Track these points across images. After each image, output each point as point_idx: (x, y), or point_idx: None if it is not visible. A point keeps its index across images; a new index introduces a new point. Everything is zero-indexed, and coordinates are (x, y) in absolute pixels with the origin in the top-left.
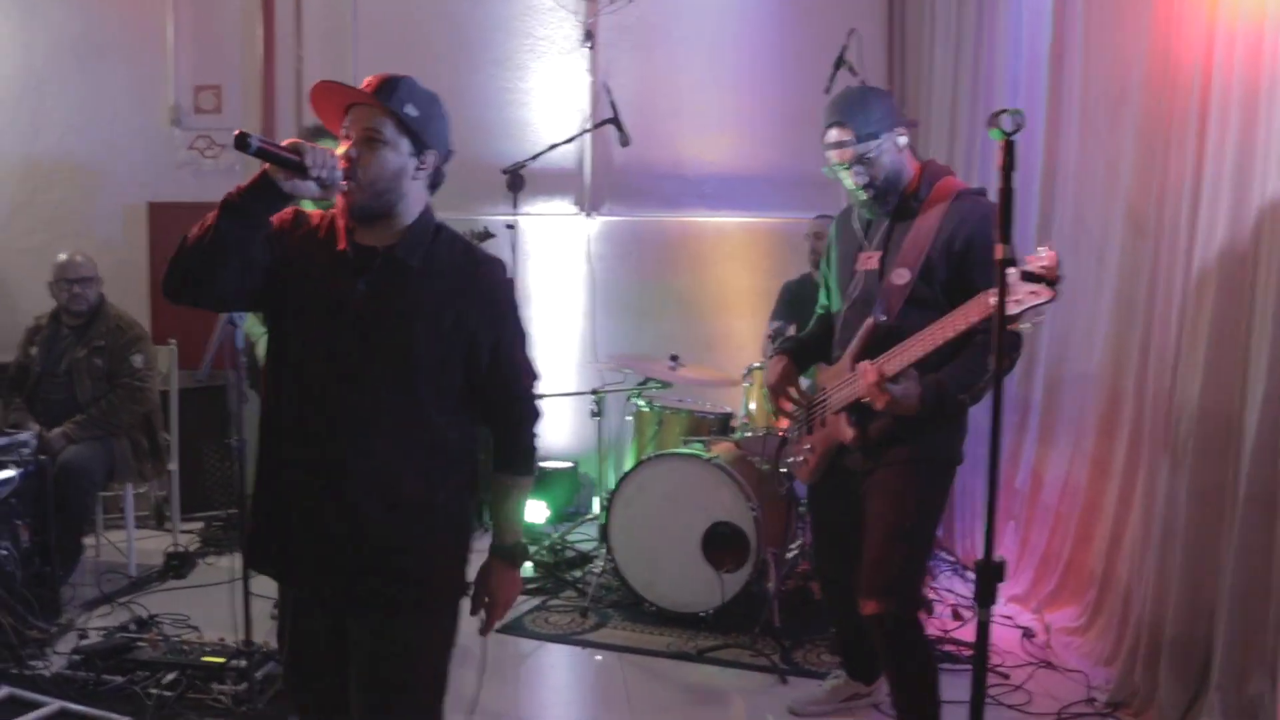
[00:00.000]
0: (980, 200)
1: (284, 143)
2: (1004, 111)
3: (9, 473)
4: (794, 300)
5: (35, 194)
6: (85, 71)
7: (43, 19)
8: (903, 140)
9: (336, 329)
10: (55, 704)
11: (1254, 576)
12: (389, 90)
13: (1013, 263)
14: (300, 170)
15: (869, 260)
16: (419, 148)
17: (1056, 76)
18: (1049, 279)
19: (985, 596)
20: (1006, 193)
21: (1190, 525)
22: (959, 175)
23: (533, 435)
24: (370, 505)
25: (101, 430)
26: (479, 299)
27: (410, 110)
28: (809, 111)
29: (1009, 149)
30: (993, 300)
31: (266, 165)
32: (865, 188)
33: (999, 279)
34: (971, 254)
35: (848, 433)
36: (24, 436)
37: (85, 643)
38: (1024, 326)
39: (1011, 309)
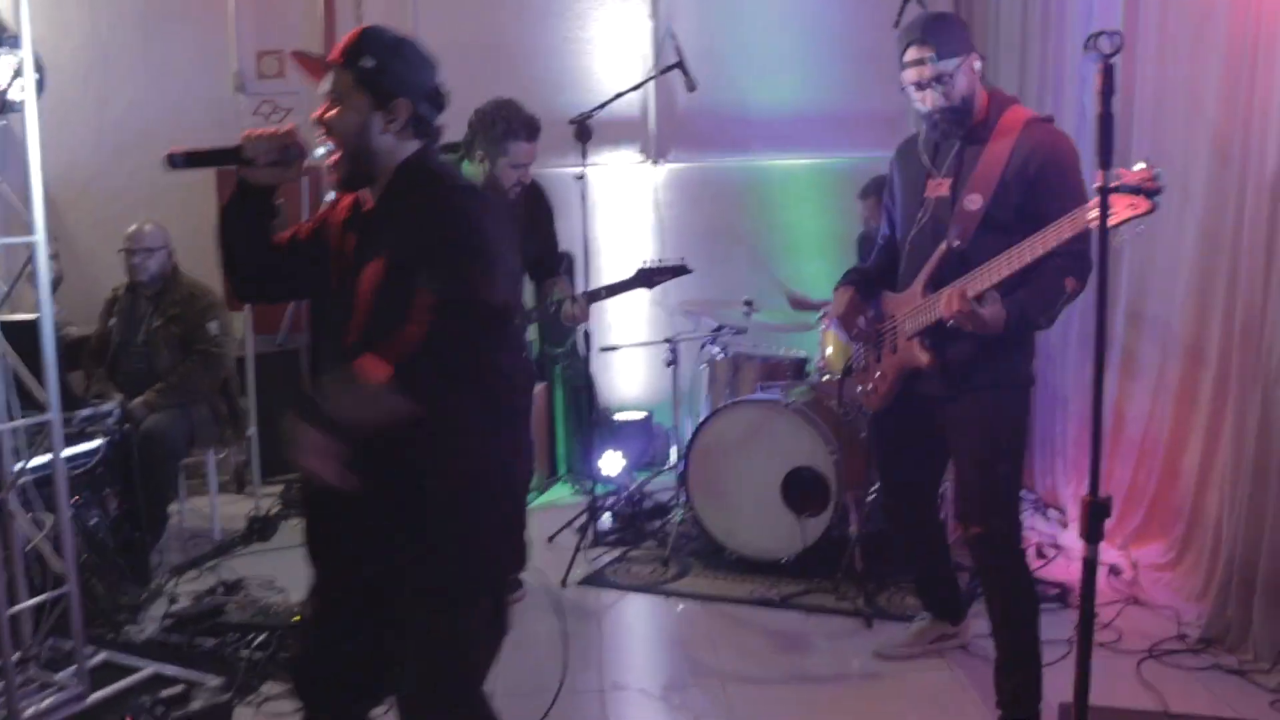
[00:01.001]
0: (1051, 128)
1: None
2: (1101, 33)
3: (96, 443)
4: (869, 251)
5: (106, 166)
6: (150, 41)
7: None
8: (978, 65)
9: (336, 298)
10: (150, 667)
11: None
12: (346, 47)
13: (1115, 189)
14: (244, 161)
15: (938, 187)
16: (382, 98)
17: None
18: (1148, 190)
19: (1093, 533)
20: (1106, 118)
21: None
22: (1030, 107)
23: (430, 351)
24: (377, 484)
25: (181, 398)
26: (424, 230)
27: (366, 62)
28: (876, 48)
29: (1108, 72)
30: (1089, 216)
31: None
32: (941, 109)
33: (1101, 205)
34: (1045, 181)
35: (923, 358)
36: (108, 407)
37: (176, 607)
38: (1119, 240)
39: (1109, 221)
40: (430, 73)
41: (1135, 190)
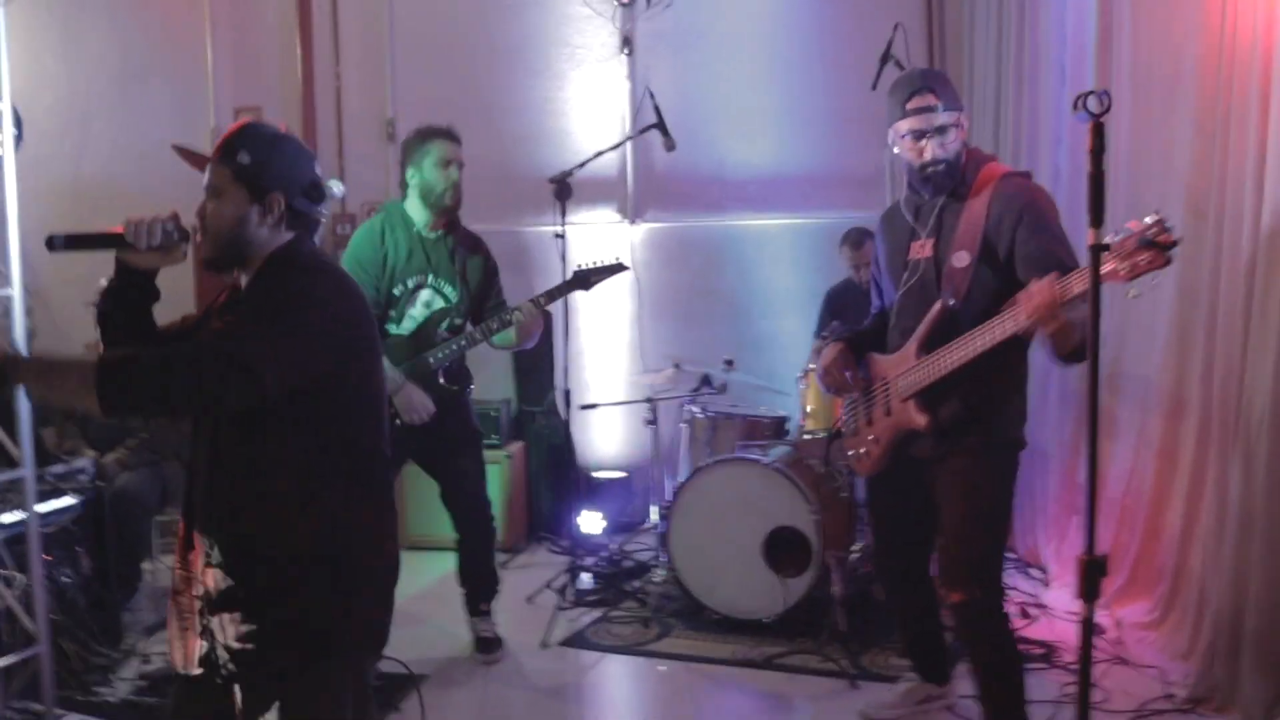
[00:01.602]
0: (1024, 180)
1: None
2: (1090, 93)
3: (69, 500)
4: (838, 307)
5: (82, 219)
6: (127, 96)
7: (84, 47)
8: (966, 124)
9: None
10: None
11: None
12: (224, 144)
13: (1107, 248)
14: (124, 245)
15: (922, 248)
16: (258, 193)
17: (1104, 61)
18: (1163, 244)
19: (1090, 591)
20: (1097, 176)
21: (1268, 513)
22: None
23: (163, 369)
24: (229, 562)
25: (153, 455)
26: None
27: (243, 158)
28: (853, 111)
29: (1098, 131)
30: (1107, 269)
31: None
32: (935, 161)
33: (1092, 264)
34: (1025, 226)
35: (920, 419)
36: (81, 463)
37: (148, 668)
38: (1134, 293)
39: (1123, 277)
40: (307, 167)
41: (1149, 244)
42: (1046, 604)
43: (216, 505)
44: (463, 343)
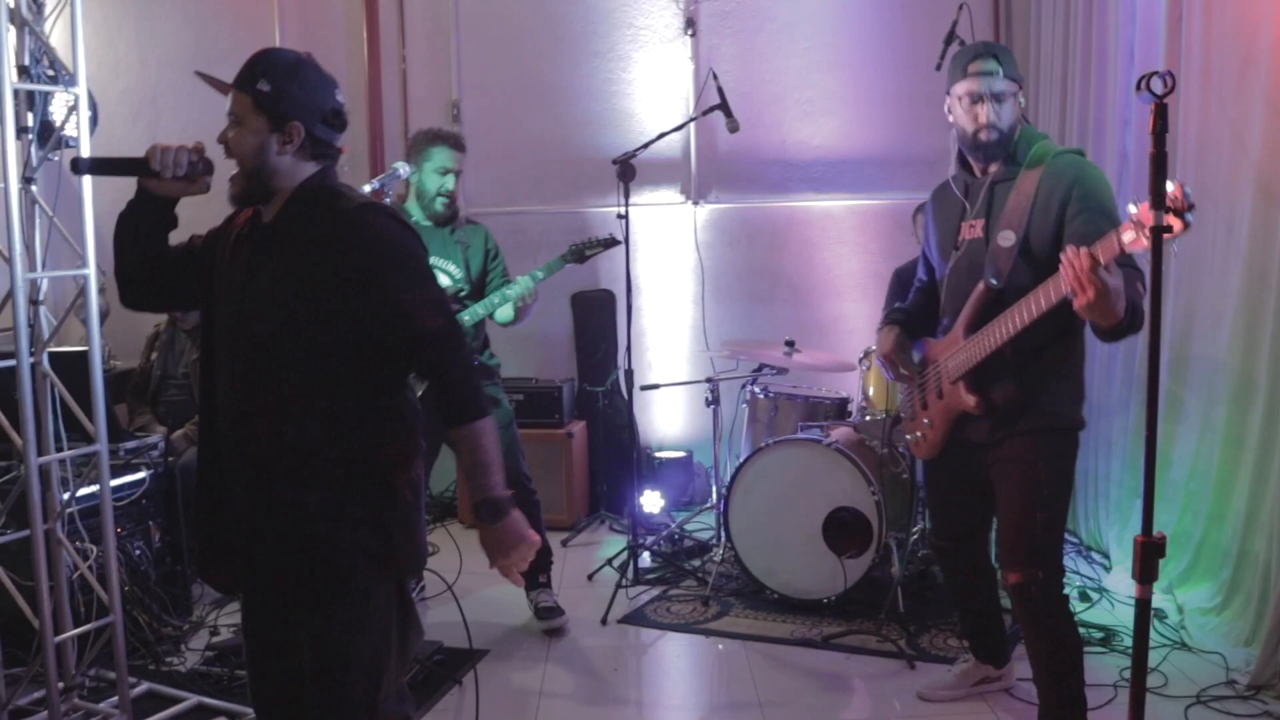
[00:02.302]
0: (1077, 157)
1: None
2: (1154, 74)
3: (140, 475)
4: (906, 286)
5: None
6: (198, 84)
7: (156, 34)
8: (1022, 102)
9: (230, 310)
10: (192, 699)
11: None
12: (245, 70)
13: (1169, 229)
14: (149, 172)
15: (972, 229)
16: (277, 121)
17: (1174, 42)
18: (1178, 209)
19: (1146, 573)
20: (1160, 158)
21: None
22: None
23: (461, 376)
24: (261, 492)
25: None
26: (345, 253)
27: (262, 86)
28: (916, 91)
29: (1161, 111)
30: (1126, 237)
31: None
32: (992, 127)
33: (1154, 247)
34: (1076, 200)
35: (969, 400)
36: (152, 439)
37: (217, 639)
38: (1172, 249)
39: (1142, 245)
40: (328, 94)
41: (1166, 209)
42: (1107, 588)
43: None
44: (465, 317)
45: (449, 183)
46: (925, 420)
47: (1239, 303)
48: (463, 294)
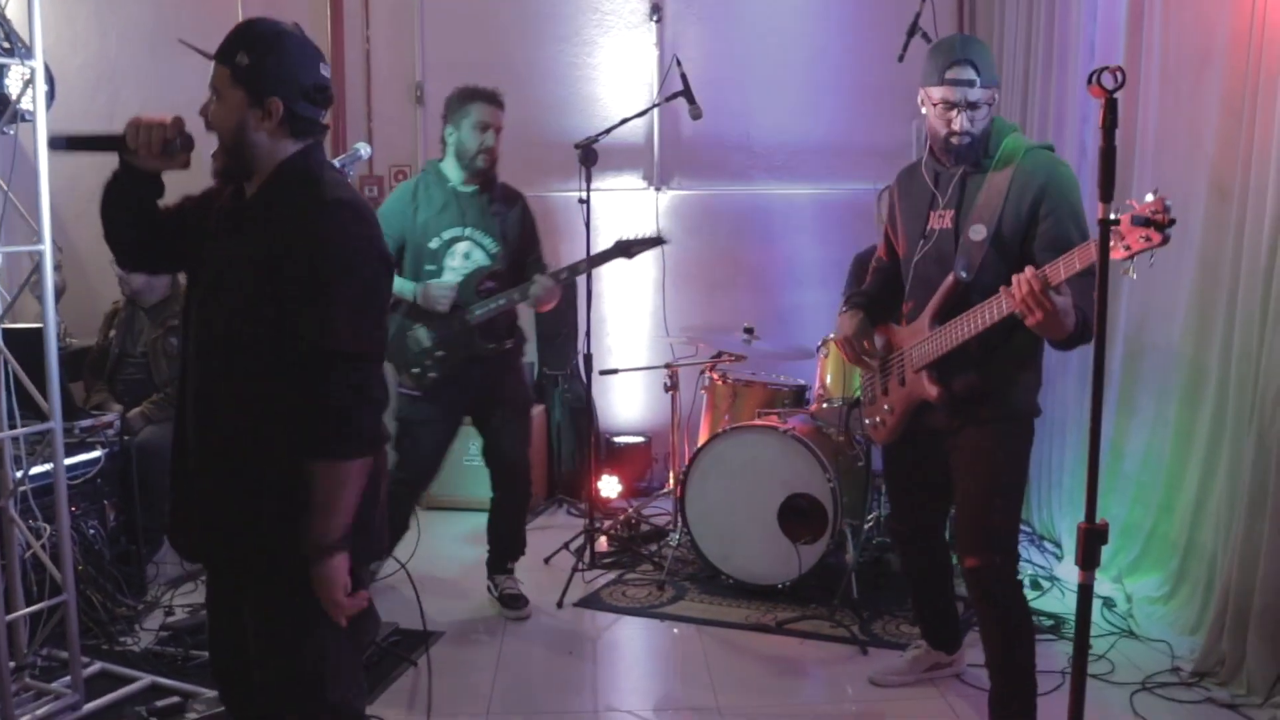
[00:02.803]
0: (1049, 154)
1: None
2: (1104, 69)
3: (95, 453)
4: (864, 272)
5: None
6: (158, 56)
7: (116, 7)
8: (998, 99)
9: (206, 282)
10: (146, 678)
11: None
12: (226, 41)
13: (1116, 222)
14: (127, 150)
15: (942, 218)
16: (256, 96)
17: (1134, 39)
18: (1159, 223)
19: (1089, 559)
20: (1109, 151)
21: (1279, 493)
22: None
23: (343, 409)
24: (218, 470)
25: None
26: (303, 248)
27: (240, 59)
28: (878, 82)
29: (1111, 106)
30: (1095, 251)
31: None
32: (965, 134)
33: (1101, 238)
34: (1046, 203)
35: (931, 390)
36: (109, 418)
37: (171, 619)
38: (1130, 272)
39: (1119, 254)
40: (311, 68)
41: (1146, 222)
42: (1058, 576)
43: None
44: (500, 301)
45: (489, 139)
46: (886, 406)
47: (1192, 298)
48: (496, 269)
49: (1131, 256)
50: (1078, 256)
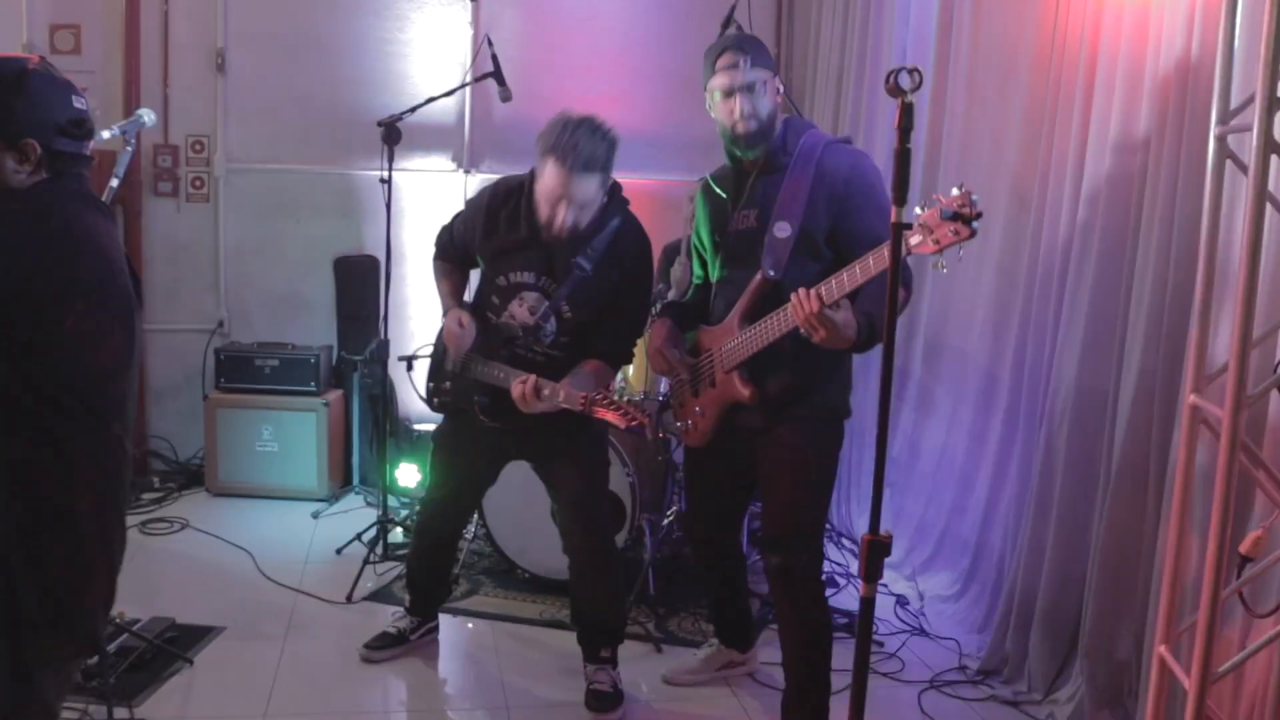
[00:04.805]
0: (850, 148)
1: None
2: (901, 69)
3: None
4: (674, 263)
5: None
6: None
7: None
8: (780, 89)
9: None
10: None
11: (1124, 547)
12: None
13: (909, 226)
14: None
15: (744, 219)
16: (10, 140)
17: (944, 47)
18: (966, 216)
19: (871, 572)
20: (903, 154)
21: (1064, 497)
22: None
23: None
24: None
25: None
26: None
27: None
28: (694, 74)
29: (907, 109)
30: (914, 242)
31: None
32: (749, 118)
33: (894, 242)
34: (852, 198)
35: (744, 391)
36: None
37: None
38: (941, 266)
39: (929, 249)
40: (62, 104)
41: (955, 216)
42: (855, 574)
43: None
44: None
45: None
46: (697, 409)
47: (989, 302)
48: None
49: (940, 251)
50: (859, 268)
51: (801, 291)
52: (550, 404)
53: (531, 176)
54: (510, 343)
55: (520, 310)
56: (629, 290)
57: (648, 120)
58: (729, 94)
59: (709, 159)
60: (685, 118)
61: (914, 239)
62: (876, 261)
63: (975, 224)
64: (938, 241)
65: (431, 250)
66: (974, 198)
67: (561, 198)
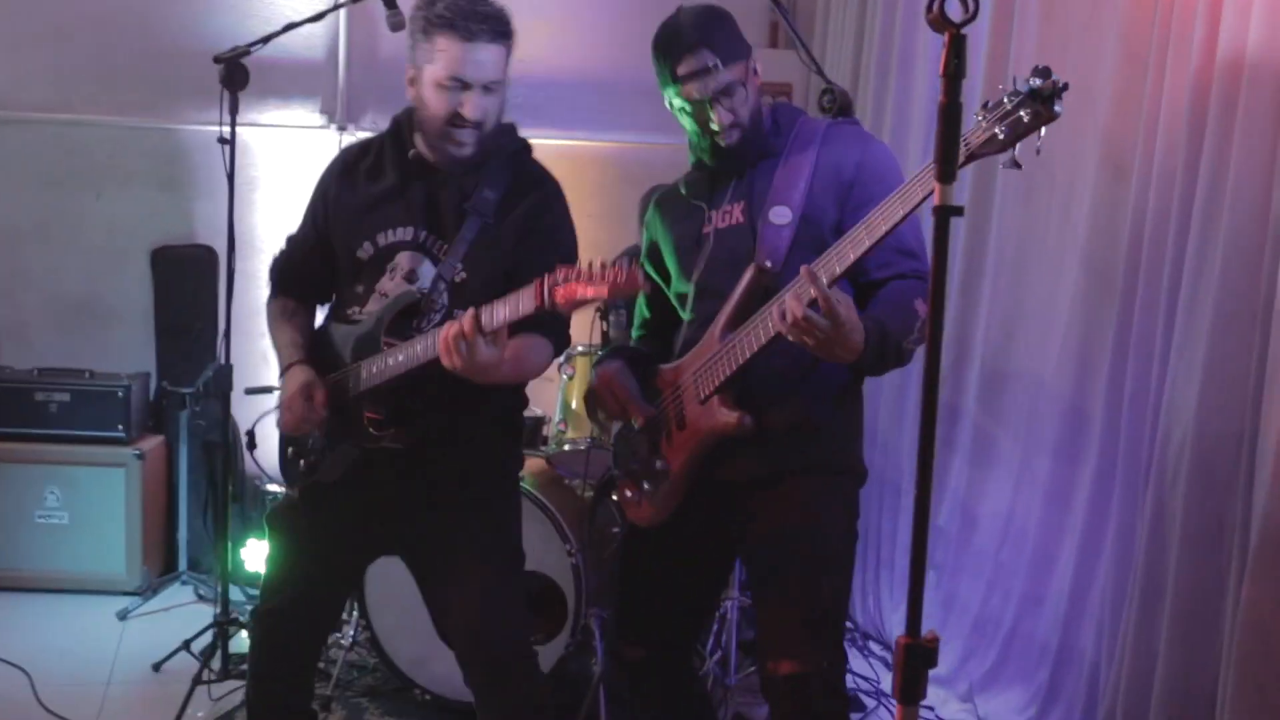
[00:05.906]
0: (858, 128)
1: None
2: None
3: None
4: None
5: None
6: None
7: None
8: (759, 68)
9: None
10: None
11: (1271, 650)
12: None
13: (959, 211)
14: None
15: (726, 216)
16: None
17: None
18: (1046, 93)
19: (910, 689)
20: (952, 108)
21: (1183, 582)
22: (869, 103)
23: None
24: None
25: None
26: None
27: None
28: (657, 8)
29: (956, 46)
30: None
31: None
32: (732, 128)
33: (937, 232)
34: (863, 183)
35: (729, 417)
36: None
37: None
38: (1013, 161)
39: (1003, 144)
40: None
41: (1032, 96)
42: (887, 691)
43: None
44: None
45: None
46: (658, 465)
47: (1073, 311)
48: None
49: (1015, 140)
50: (865, 230)
51: (792, 294)
52: (500, 332)
53: (393, 123)
54: (371, 341)
55: (391, 285)
56: (548, 235)
57: (594, 63)
58: (703, 107)
59: (668, 116)
60: (642, 61)
61: (981, 136)
62: (874, 227)
63: (1059, 106)
64: (1014, 128)
65: (277, 257)
66: (1054, 75)
67: (466, 85)
